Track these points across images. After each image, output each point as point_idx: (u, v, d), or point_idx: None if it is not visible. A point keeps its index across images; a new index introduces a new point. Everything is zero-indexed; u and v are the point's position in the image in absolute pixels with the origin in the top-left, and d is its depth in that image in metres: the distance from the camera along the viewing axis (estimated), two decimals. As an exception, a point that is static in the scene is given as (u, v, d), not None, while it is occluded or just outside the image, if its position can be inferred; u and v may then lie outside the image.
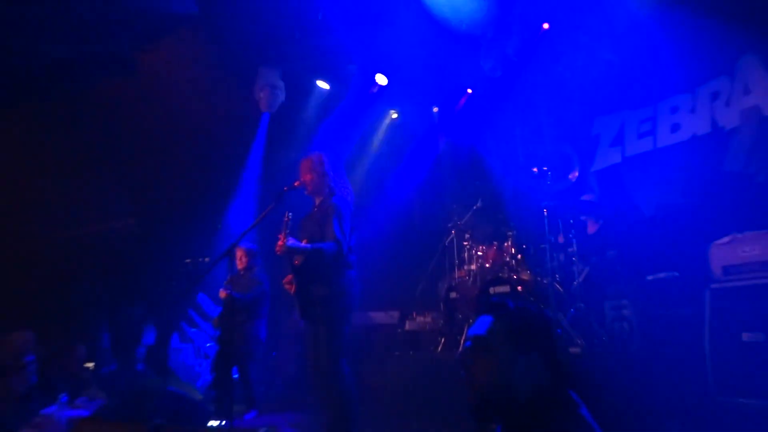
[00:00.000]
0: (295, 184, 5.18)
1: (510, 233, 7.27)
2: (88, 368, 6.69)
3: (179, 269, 7.50)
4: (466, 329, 6.96)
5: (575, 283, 6.65)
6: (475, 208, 8.14)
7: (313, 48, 8.43)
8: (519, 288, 6.62)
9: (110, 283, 8.06)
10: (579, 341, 5.87)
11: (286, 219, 4.91)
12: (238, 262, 7.42)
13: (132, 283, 8.10)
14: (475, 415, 1.99)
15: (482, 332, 1.98)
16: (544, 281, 6.75)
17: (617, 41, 7.88)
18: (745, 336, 4.97)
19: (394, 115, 10.46)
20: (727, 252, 5.32)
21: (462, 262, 7.92)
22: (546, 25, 8.02)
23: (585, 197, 7.43)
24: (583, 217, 7.14)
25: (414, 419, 6.40)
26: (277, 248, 4.82)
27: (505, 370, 1.91)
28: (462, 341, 1.99)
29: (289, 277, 5.16)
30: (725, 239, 5.41)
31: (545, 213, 6.87)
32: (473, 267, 7.54)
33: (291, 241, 4.84)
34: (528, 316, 2.02)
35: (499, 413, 1.95)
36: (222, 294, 6.92)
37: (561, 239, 6.96)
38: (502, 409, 1.93)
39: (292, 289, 5.12)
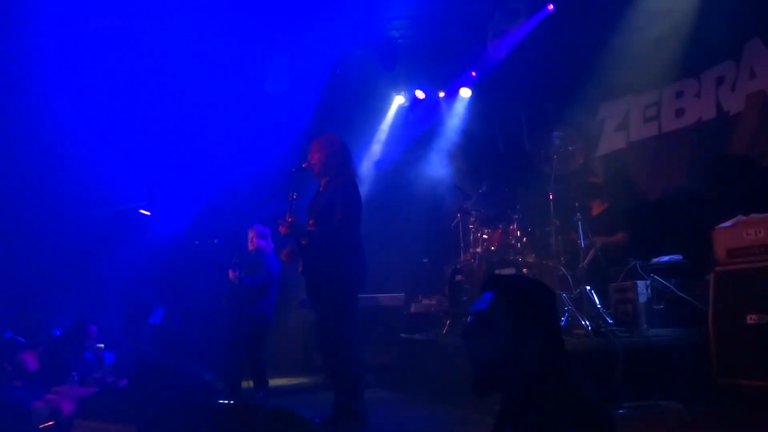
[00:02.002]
0: (303, 165, 5.19)
1: (515, 216, 7.26)
2: (99, 347, 6.74)
3: (188, 250, 7.52)
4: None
5: (580, 266, 6.65)
6: (480, 191, 8.14)
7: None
8: (524, 270, 6.62)
9: (121, 265, 8.09)
10: (584, 323, 5.87)
11: (290, 199, 4.93)
12: (249, 243, 7.43)
13: (142, 265, 8.14)
14: (475, 389, 2.01)
15: (483, 308, 1.99)
16: (550, 264, 6.75)
17: (623, 25, 7.82)
18: (750, 318, 4.97)
19: (402, 101, 10.44)
20: (731, 235, 5.30)
21: (467, 245, 7.91)
22: (551, 7, 7.96)
23: (591, 179, 7.41)
24: (588, 202, 7.12)
25: (419, 399, 6.44)
26: (281, 229, 4.85)
27: (505, 345, 1.92)
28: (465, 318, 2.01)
29: (287, 249, 5.17)
30: (729, 222, 5.39)
31: (551, 197, 6.86)
32: (478, 250, 7.54)
33: (296, 223, 4.86)
34: (528, 290, 2.03)
35: (499, 387, 1.97)
36: (231, 275, 6.96)
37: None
38: (501, 383, 1.96)
39: (287, 261, 5.14)
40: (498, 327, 1.93)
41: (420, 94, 9.35)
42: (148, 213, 8.53)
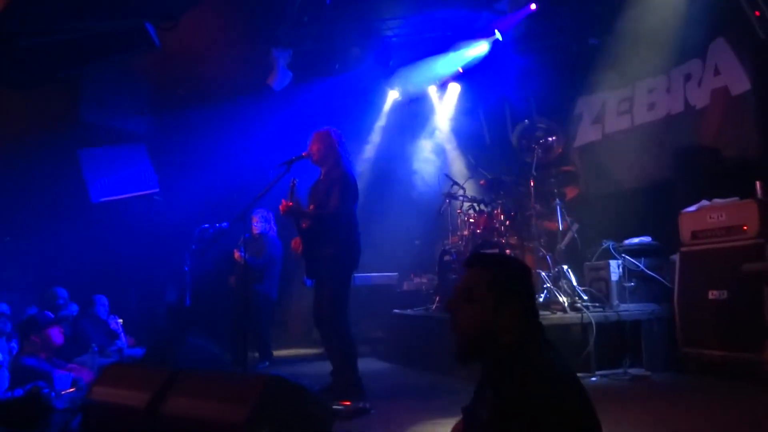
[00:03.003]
0: (303, 154, 5.22)
1: (499, 202, 7.28)
2: (118, 322, 6.77)
3: (198, 233, 7.54)
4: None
5: (558, 247, 6.69)
6: (468, 178, 8.17)
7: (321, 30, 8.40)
8: (507, 251, 6.64)
9: (134, 245, 8.11)
10: (561, 299, 5.92)
11: (291, 184, 4.97)
12: (252, 227, 7.47)
13: (154, 245, 8.16)
14: (458, 357, 2.04)
15: (466, 283, 2.02)
16: (530, 245, 6.77)
17: (600, 26, 7.83)
18: (711, 294, 5.02)
19: (396, 96, 10.41)
20: (696, 218, 5.36)
21: (455, 228, 7.95)
22: (533, 6, 7.94)
23: (566, 168, 7.43)
24: (563, 188, 7.15)
25: (411, 368, 6.49)
26: (281, 209, 4.91)
27: (485, 318, 1.95)
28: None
29: (297, 239, 5.24)
30: (694, 207, 5.45)
31: (532, 184, 6.89)
32: (465, 232, 7.57)
33: (296, 205, 4.91)
34: (507, 267, 2.06)
35: (480, 356, 2.00)
36: (236, 255, 7.01)
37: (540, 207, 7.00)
38: (482, 352, 1.98)
39: (299, 250, 5.20)
40: (479, 300, 1.96)
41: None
42: (160, 198, 8.55)
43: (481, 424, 1.87)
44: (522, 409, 1.72)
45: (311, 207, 5.15)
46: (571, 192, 7.31)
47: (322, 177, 5.31)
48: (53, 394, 4.61)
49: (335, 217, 4.99)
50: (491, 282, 1.97)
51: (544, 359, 1.92)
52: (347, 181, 5.12)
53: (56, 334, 5.42)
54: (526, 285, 2.07)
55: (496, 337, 1.94)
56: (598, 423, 1.81)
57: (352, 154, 5.48)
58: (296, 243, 5.25)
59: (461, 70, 9.24)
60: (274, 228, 7.65)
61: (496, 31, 8.22)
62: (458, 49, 8.78)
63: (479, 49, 8.63)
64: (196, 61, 7.43)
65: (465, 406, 2.13)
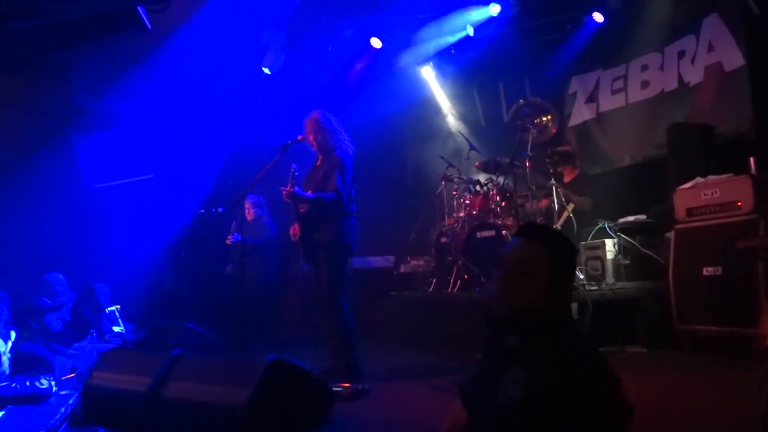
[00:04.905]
0: (299, 138, 5.22)
1: (495, 182, 7.30)
2: (117, 308, 6.78)
3: (194, 218, 7.55)
4: (455, 269, 7.03)
5: (554, 227, 6.71)
6: (463, 160, 8.18)
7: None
8: (503, 232, 6.67)
9: (130, 231, 8.10)
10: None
11: (292, 171, 4.97)
12: (246, 213, 7.49)
13: (150, 230, 8.15)
14: (496, 325, 1.99)
15: (522, 255, 1.95)
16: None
17: (594, 3, 7.81)
18: (705, 270, 5.06)
19: (390, 76, 10.35)
20: (690, 195, 5.39)
21: (451, 210, 7.98)
22: None
23: (562, 148, 7.44)
24: (559, 168, 7.16)
25: (408, 350, 6.53)
26: (284, 195, 4.92)
27: (539, 293, 1.90)
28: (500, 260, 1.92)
29: (295, 227, 5.25)
30: (689, 184, 5.47)
31: (527, 164, 6.91)
32: (461, 214, 7.60)
33: (297, 189, 4.93)
34: (568, 246, 2.01)
35: (517, 328, 1.95)
36: (228, 240, 7.07)
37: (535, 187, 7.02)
38: (521, 325, 1.93)
39: (297, 236, 5.22)
40: (536, 276, 1.91)
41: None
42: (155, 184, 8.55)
43: (507, 401, 1.82)
44: (565, 389, 1.71)
45: (309, 192, 5.15)
46: (569, 174, 7.32)
47: (319, 162, 5.32)
48: (54, 379, 4.65)
49: (336, 200, 5.00)
50: (552, 259, 1.92)
51: (581, 339, 1.93)
52: (345, 164, 5.13)
53: (54, 321, 5.43)
54: (575, 266, 2.06)
55: (541, 315, 1.90)
56: (630, 403, 1.80)
57: (346, 133, 5.45)
58: (294, 229, 5.27)
59: (453, 52, 9.16)
60: (267, 212, 7.69)
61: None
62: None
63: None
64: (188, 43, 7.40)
65: (462, 383, 2.13)
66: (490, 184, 7.38)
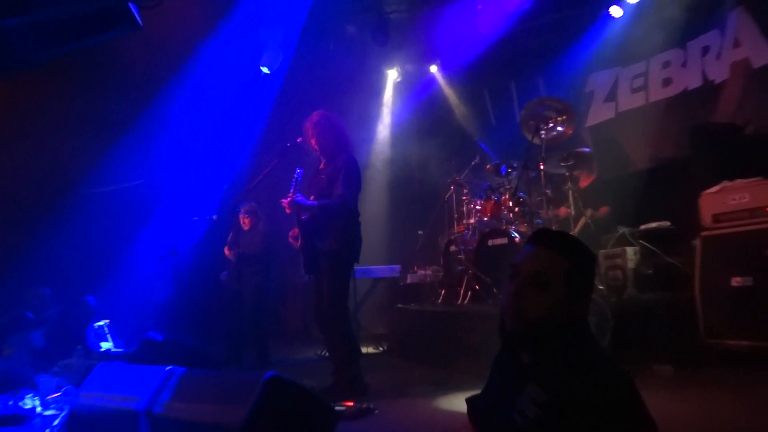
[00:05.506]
0: (298, 140, 5.20)
1: (507, 187, 7.26)
2: (106, 323, 6.77)
3: (188, 226, 7.55)
4: (465, 280, 6.98)
5: (571, 234, 6.65)
6: (473, 163, 8.13)
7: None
8: (516, 240, 6.63)
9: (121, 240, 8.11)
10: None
11: (294, 177, 4.94)
12: (242, 223, 7.48)
13: (141, 239, 8.16)
14: (509, 340, 1.96)
15: (539, 266, 1.90)
16: (541, 233, 6.74)
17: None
18: (734, 281, 4.99)
19: (395, 76, 10.38)
20: (717, 200, 5.32)
21: (461, 216, 7.93)
22: None
23: (580, 150, 7.39)
24: (576, 172, 7.11)
25: (415, 364, 6.49)
26: (286, 207, 4.87)
27: (556, 307, 1.86)
28: (512, 270, 1.87)
29: (295, 231, 5.22)
30: (715, 188, 5.40)
31: (542, 167, 6.85)
32: (472, 221, 7.55)
33: (299, 198, 4.89)
34: (589, 259, 1.96)
35: (532, 342, 1.91)
36: (227, 252, 7.05)
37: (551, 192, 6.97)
38: (536, 339, 1.89)
39: (297, 244, 5.19)
40: (554, 289, 1.87)
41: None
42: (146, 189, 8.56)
43: (522, 422, 1.79)
44: (584, 410, 1.68)
45: (312, 198, 5.12)
46: (585, 179, 7.26)
47: (322, 166, 5.28)
48: (40, 398, 4.61)
49: (341, 207, 4.96)
50: (570, 271, 1.88)
51: (601, 355, 1.89)
52: (351, 167, 5.10)
53: (37, 337, 5.41)
54: (594, 277, 2.01)
55: (558, 329, 1.87)
56: (654, 422, 1.75)
57: (349, 136, 5.42)
58: (294, 233, 5.23)
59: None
60: (263, 218, 7.66)
61: None
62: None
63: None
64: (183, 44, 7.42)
65: (471, 400, 2.10)
66: (501, 189, 7.33)
